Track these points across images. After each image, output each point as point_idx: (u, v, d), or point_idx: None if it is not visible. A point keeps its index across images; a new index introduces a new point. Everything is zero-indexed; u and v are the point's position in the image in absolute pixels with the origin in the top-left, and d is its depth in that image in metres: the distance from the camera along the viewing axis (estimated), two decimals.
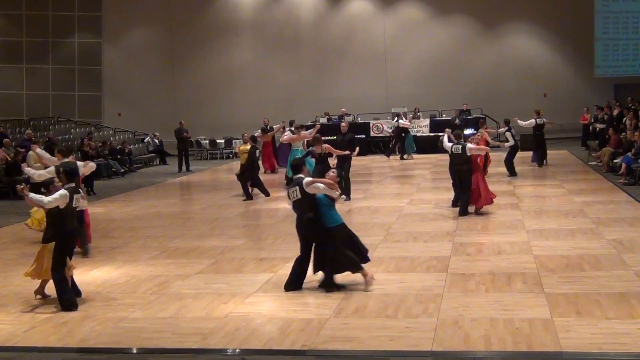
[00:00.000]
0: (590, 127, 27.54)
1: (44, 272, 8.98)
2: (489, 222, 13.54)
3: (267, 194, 18.34)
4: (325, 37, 35.12)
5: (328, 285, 9.14)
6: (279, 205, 17.08)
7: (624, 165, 18.35)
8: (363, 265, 9.21)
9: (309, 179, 9.24)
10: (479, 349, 6.93)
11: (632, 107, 25.57)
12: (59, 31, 35.84)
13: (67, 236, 8.95)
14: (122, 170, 26.42)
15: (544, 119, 23.12)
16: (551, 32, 33.30)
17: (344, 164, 16.53)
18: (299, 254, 9.33)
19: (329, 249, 9.05)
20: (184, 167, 26.51)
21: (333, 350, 7.12)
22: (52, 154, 14.16)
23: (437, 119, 30.90)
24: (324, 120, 30.24)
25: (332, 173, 9.55)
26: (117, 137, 31.93)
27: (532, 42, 33.84)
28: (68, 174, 9.12)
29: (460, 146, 14.25)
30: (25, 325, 8.30)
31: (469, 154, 14.18)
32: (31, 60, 35.80)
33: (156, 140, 31.09)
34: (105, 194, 20.97)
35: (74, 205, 8.98)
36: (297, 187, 9.14)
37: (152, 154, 30.65)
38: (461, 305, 8.24)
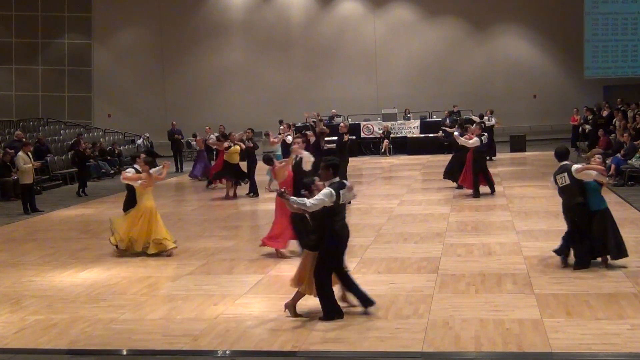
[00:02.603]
0: (580, 128, 27.68)
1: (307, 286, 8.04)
2: (479, 223, 13.56)
3: (256, 193, 18.66)
4: (315, 38, 35.12)
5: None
6: (270, 206, 17.02)
7: (613, 166, 18.43)
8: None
9: (578, 165, 9.64)
10: (469, 350, 6.95)
11: (622, 109, 25.70)
12: (48, 32, 35.69)
13: (335, 237, 7.98)
14: (112, 171, 26.38)
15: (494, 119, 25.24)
16: (541, 33, 33.41)
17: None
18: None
19: (597, 232, 9.48)
20: (177, 168, 26.60)
21: (324, 351, 7.12)
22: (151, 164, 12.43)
23: (428, 120, 30.99)
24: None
25: (598, 159, 9.80)
26: (107, 138, 31.87)
27: (522, 43, 33.93)
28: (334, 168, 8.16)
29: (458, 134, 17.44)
30: (15, 327, 8.27)
31: (459, 143, 16.88)
32: (21, 61, 35.64)
33: (147, 142, 31.03)
34: (96, 195, 20.92)
35: (342, 201, 8.02)
36: (566, 174, 9.56)
37: (143, 155, 30.49)
38: (451, 306, 8.26)
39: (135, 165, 12.39)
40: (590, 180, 9.52)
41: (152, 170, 12.05)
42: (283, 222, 11.09)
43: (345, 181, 8.28)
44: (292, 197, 8.22)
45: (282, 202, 8.95)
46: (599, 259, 9.72)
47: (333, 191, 7.85)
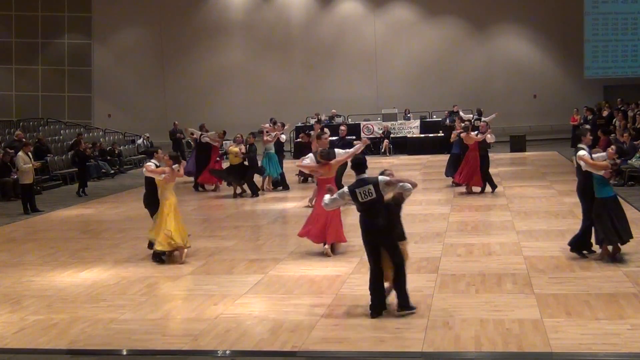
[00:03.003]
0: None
1: None
2: (479, 223, 13.57)
3: (256, 194, 18.56)
4: (315, 38, 35.12)
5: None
6: (270, 206, 17.07)
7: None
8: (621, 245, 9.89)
9: (581, 152, 9.97)
10: (469, 350, 6.95)
11: (622, 109, 25.70)
12: (48, 32, 35.70)
13: (366, 232, 8.24)
14: (112, 171, 26.39)
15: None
16: (541, 33, 33.41)
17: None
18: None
19: (595, 218, 9.86)
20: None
21: (324, 351, 7.12)
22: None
23: (428, 120, 30.99)
24: (314, 121, 30.22)
25: (611, 150, 10.16)
26: (107, 138, 31.87)
27: (522, 43, 33.94)
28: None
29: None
30: (15, 327, 8.26)
31: (465, 142, 16.97)
32: (21, 61, 35.65)
33: (147, 142, 31.03)
34: (96, 195, 20.91)
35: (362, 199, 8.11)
36: (575, 157, 10.17)
37: (143, 155, 30.56)
38: (451, 306, 8.25)
39: (154, 160, 12.11)
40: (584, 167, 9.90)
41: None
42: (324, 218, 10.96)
43: (381, 176, 8.11)
44: (326, 194, 8.56)
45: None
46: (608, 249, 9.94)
47: (346, 190, 8.20)
